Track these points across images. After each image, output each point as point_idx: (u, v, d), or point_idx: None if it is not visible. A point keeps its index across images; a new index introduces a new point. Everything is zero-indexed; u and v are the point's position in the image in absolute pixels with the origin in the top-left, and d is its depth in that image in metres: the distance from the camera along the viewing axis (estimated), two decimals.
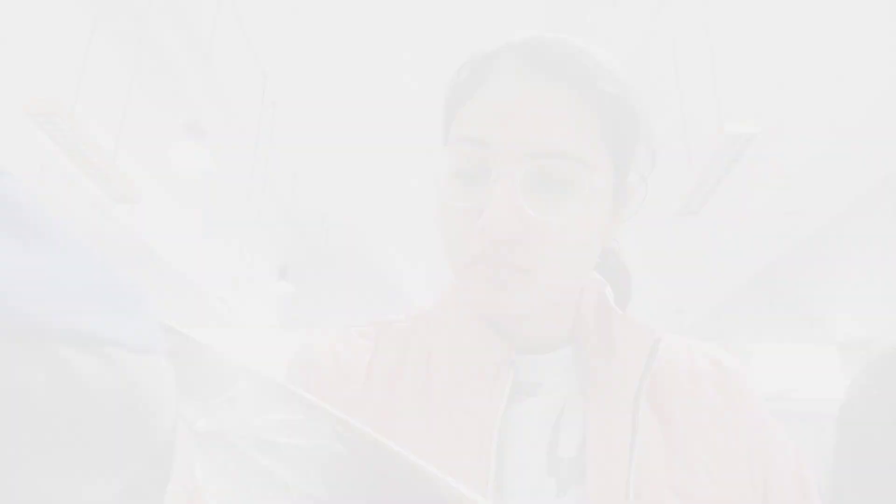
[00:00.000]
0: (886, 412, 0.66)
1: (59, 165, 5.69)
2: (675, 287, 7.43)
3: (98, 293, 0.26)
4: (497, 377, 0.47)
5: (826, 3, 3.43)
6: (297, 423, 0.28)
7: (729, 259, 6.40)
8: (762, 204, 5.19)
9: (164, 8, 3.95)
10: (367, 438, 0.27)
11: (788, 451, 0.49)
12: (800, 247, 6.17)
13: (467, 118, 0.46)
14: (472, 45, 0.49)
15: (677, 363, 0.51)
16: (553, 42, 0.45)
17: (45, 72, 3.51)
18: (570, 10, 3.83)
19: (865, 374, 0.72)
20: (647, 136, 0.49)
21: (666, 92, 4.34)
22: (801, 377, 8.42)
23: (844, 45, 3.68)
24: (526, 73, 0.44)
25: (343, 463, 0.26)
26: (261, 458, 0.28)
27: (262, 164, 6.12)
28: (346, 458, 0.26)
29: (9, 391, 0.21)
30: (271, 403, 0.29)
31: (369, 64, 4.38)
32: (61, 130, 2.74)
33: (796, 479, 0.48)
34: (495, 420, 0.45)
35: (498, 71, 0.45)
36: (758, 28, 3.70)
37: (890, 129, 4.14)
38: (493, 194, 0.42)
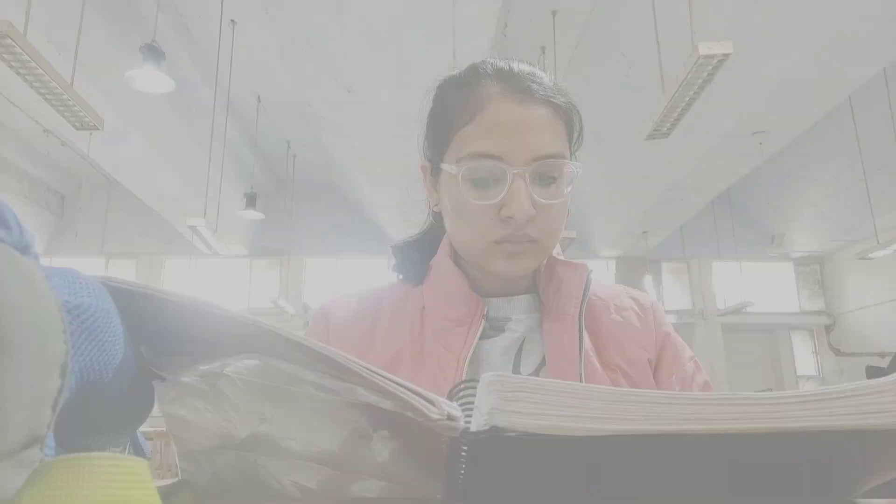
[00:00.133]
0: None
1: (7, 90, 5.38)
2: (640, 210, 7.57)
3: None
4: (472, 323, 0.63)
5: None
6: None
7: (694, 181, 6.51)
8: (731, 125, 5.25)
9: None
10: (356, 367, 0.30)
11: (686, 351, 0.68)
12: (762, 167, 6.30)
13: (475, 138, 0.60)
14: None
15: (607, 299, 0.69)
16: (519, 72, 0.61)
17: None
18: None
19: None
20: (580, 124, 0.66)
21: (641, 14, 4.28)
22: (759, 292, 8.81)
23: None
24: (510, 99, 0.59)
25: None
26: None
27: (224, 88, 5.89)
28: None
29: None
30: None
31: None
32: (14, 54, 2.59)
33: (691, 363, 0.67)
34: (468, 352, 0.61)
35: (488, 99, 0.60)
36: None
37: (854, 51, 4.19)
38: (511, 192, 0.58)
